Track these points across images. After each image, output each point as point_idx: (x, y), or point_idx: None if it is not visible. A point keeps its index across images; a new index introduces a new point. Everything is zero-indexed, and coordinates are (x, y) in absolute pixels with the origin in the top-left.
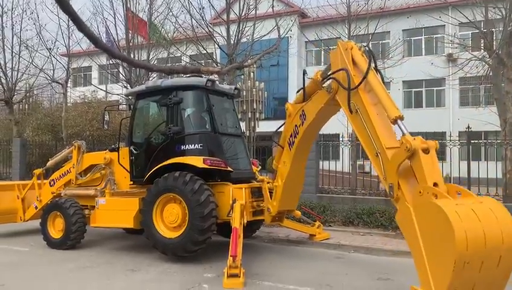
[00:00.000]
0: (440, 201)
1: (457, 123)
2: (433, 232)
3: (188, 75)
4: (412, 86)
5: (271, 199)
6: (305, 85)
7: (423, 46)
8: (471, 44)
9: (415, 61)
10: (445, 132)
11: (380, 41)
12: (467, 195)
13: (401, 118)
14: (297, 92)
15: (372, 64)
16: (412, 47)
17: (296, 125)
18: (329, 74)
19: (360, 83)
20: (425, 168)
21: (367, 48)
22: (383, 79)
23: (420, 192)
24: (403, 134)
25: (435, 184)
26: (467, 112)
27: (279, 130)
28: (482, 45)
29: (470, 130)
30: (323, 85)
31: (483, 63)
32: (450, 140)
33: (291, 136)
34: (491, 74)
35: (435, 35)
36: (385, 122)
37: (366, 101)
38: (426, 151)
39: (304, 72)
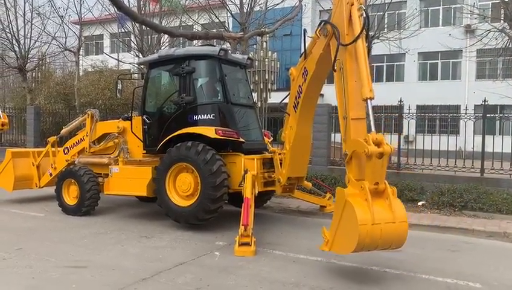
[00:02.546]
0: (361, 216)
1: (473, 96)
2: (348, 227)
3: (199, 43)
4: (427, 57)
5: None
6: (306, 45)
7: (440, 17)
8: (491, 14)
9: (432, 32)
10: (459, 105)
11: (397, 11)
12: (390, 205)
13: (371, 99)
14: (300, 56)
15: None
16: (429, 17)
17: (299, 86)
18: (325, 19)
19: (351, 43)
20: (373, 170)
21: (365, 12)
22: (369, 52)
23: (361, 187)
24: (369, 130)
25: (376, 183)
26: (483, 85)
27: (284, 100)
28: (502, 15)
29: (486, 103)
30: (320, 30)
31: (503, 35)
32: (466, 113)
33: (295, 98)
34: (510, 45)
35: (453, 5)
36: (359, 91)
37: (351, 63)
38: (381, 156)
39: (304, 31)
